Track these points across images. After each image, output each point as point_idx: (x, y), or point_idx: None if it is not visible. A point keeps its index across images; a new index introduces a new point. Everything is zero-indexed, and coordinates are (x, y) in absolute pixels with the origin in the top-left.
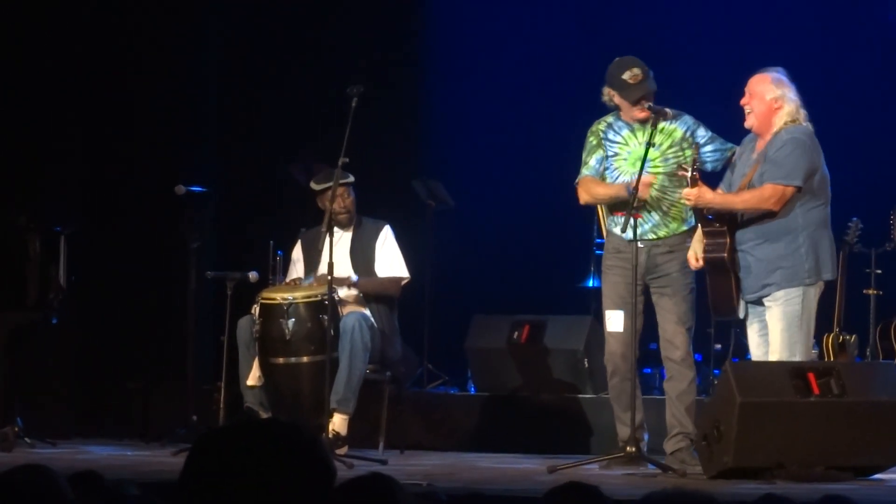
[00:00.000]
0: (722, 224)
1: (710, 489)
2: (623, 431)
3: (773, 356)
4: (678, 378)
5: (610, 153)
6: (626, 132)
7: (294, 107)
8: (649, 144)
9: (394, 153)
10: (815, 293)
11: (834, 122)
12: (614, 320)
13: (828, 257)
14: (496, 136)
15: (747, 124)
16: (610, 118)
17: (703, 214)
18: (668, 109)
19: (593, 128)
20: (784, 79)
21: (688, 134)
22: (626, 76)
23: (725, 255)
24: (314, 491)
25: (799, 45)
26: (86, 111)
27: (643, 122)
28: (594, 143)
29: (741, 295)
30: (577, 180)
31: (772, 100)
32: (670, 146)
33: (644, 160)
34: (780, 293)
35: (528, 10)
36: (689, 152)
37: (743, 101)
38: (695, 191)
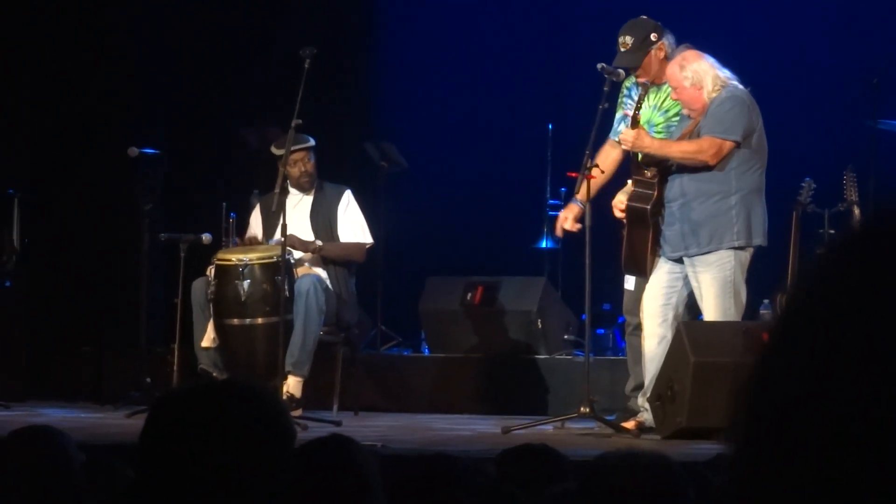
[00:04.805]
0: (653, 176)
1: (664, 449)
2: (628, 385)
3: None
4: None
5: (628, 112)
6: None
7: (247, 69)
8: (637, 110)
9: (346, 115)
10: (746, 258)
11: (787, 82)
12: (628, 278)
13: (759, 223)
14: (449, 98)
15: (685, 113)
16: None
17: (638, 164)
18: (620, 70)
19: (623, 84)
20: (689, 55)
21: None
22: (619, 42)
23: (649, 207)
24: (275, 451)
25: (749, 5)
26: (37, 73)
27: (650, 85)
28: (619, 101)
29: (660, 253)
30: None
31: (691, 85)
32: (676, 113)
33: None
34: (713, 257)
35: None
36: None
37: (672, 97)
38: (633, 132)
